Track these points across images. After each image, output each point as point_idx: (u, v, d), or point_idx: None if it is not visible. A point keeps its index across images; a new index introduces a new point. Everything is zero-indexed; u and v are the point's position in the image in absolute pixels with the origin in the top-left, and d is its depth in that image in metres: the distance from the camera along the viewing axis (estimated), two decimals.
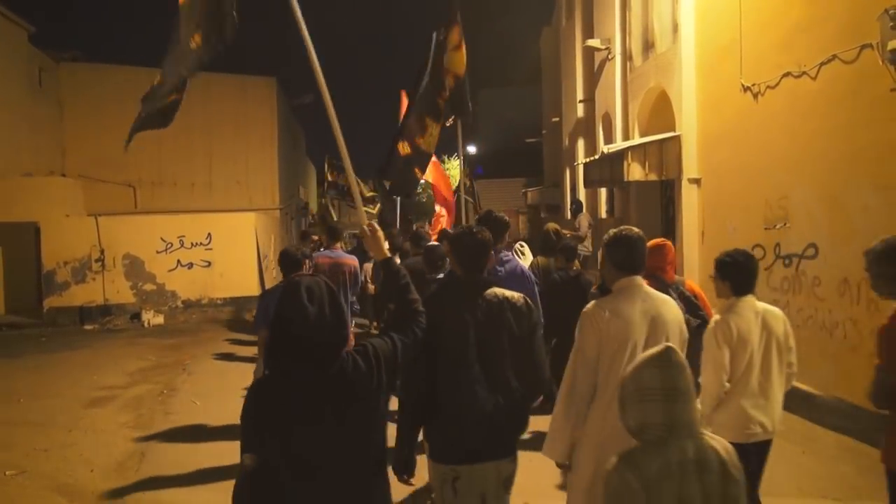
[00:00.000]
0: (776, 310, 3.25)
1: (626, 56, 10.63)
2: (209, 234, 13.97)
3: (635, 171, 8.59)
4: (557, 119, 16.75)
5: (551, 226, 6.31)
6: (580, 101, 13.93)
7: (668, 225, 9.48)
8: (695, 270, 8.01)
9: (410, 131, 5.97)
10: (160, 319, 13.10)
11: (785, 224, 6.37)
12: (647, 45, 9.97)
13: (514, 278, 3.78)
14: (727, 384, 3.09)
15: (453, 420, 2.45)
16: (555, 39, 17.33)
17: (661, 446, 1.64)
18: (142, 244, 13.52)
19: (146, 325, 12.84)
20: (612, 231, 2.73)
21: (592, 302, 2.63)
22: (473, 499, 2.43)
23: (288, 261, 4.70)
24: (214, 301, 13.99)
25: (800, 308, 6.08)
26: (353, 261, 5.96)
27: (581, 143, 13.97)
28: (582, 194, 13.29)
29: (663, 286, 3.52)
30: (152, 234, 13.62)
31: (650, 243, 3.53)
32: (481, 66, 29.04)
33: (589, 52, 12.92)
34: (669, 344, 1.81)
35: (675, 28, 8.70)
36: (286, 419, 1.81)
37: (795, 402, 5.86)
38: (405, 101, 8.48)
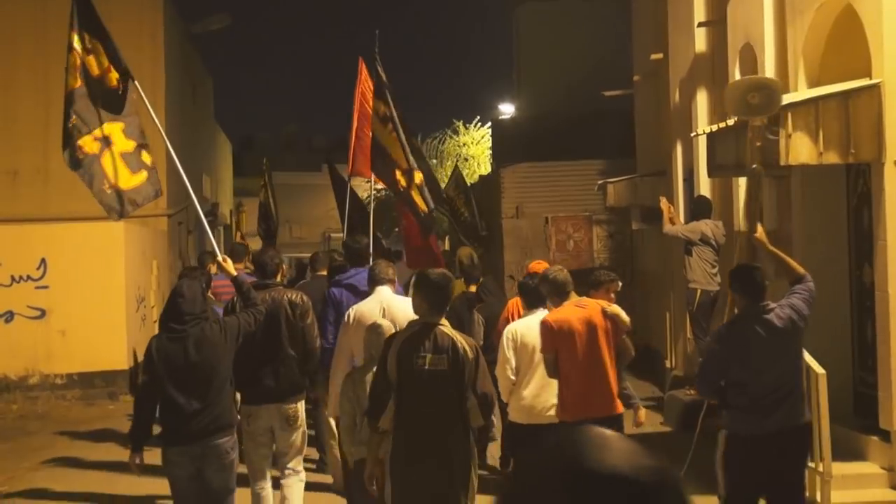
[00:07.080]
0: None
1: None
2: (43, 262, 14.11)
3: (800, 149, 8.61)
4: (660, 56, 16.90)
5: (465, 251, 10.49)
6: (699, 25, 14.06)
7: (859, 239, 9.49)
8: None
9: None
10: None
11: None
12: None
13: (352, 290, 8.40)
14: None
15: (250, 375, 7.04)
16: None
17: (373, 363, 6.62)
18: None
19: None
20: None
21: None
22: (263, 430, 7.23)
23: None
24: (51, 379, 14.05)
25: None
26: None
27: (702, 99, 14.04)
28: (706, 187, 13.31)
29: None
30: None
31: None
32: None
33: None
34: (380, 320, 7.10)
35: None
36: (169, 355, 6.37)
37: None
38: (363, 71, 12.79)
